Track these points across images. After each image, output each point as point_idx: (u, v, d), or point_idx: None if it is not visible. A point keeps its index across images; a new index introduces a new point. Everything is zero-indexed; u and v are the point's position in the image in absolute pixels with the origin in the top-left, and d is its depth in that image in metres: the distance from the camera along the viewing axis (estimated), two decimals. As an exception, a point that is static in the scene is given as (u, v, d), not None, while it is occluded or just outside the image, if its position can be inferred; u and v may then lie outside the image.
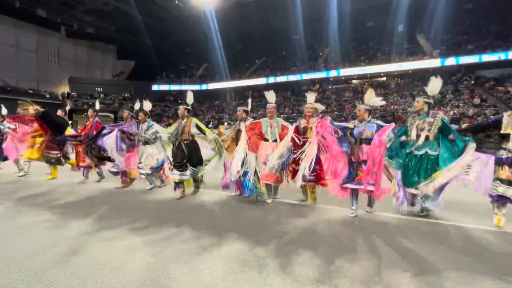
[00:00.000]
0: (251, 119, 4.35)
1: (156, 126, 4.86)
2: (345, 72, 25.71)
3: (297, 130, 3.99)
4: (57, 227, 2.97)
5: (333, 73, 26.04)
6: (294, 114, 22.63)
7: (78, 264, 2.15)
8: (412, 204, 3.36)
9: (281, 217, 3.37)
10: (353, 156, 3.48)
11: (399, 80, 24.87)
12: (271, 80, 28.10)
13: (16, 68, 26.20)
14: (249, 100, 4.64)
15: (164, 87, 31.94)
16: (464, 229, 3.00)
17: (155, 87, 31.63)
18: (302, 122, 3.97)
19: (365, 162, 3.35)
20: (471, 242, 2.66)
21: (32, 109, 5.32)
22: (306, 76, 27.16)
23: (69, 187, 5.05)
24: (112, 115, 25.92)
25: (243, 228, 2.98)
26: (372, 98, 3.53)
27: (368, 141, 3.42)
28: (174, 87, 31.48)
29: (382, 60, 24.99)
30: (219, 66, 29.60)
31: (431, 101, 3.38)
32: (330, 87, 27.66)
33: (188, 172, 4.23)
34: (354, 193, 3.50)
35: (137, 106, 5.24)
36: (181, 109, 4.34)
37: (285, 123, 4.15)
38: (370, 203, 3.61)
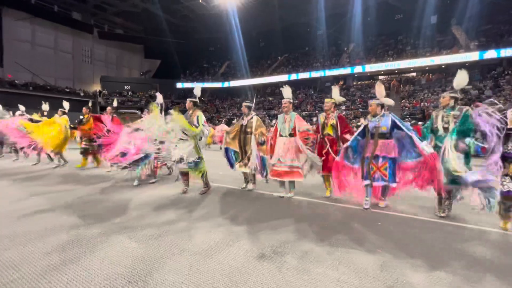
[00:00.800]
0: (254, 113, 4.45)
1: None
2: (371, 67, 24.67)
3: (318, 126, 4.14)
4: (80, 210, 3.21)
5: (358, 69, 25.13)
6: (316, 112, 22.18)
7: (105, 250, 2.31)
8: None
9: (299, 214, 3.36)
10: (367, 151, 3.50)
11: (430, 75, 23.36)
12: (293, 76, 27.76)
13: (54, 68, 28.45)
14: (253, 98, 4.91)
15: (187, 85, 32.75)
16: (487, 232, 2.81)
17: (179, 85, 32.62)
18: (322, 117, 4.09)
19: (381, 157, 3.43)
20: (497, 246, 2.47)
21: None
22: (329, 73, 26.47)
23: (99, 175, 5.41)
24: (139, 112, 27.14)
25: (262, 223, 3.01)
26: (382, 94, 3.55)
27: (384, 135, 3.45)
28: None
29: (411, 54, 23.60)
30: (241, 63, 29.76)
31: (458, 95, 3.29)
32: (354, 83, 26.72)
33: (187, 162, 4.14)
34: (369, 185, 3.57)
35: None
36: (188, 102, 4.34)
37: (301, 119, 4.17)
38: (384, 195, 3.69)
